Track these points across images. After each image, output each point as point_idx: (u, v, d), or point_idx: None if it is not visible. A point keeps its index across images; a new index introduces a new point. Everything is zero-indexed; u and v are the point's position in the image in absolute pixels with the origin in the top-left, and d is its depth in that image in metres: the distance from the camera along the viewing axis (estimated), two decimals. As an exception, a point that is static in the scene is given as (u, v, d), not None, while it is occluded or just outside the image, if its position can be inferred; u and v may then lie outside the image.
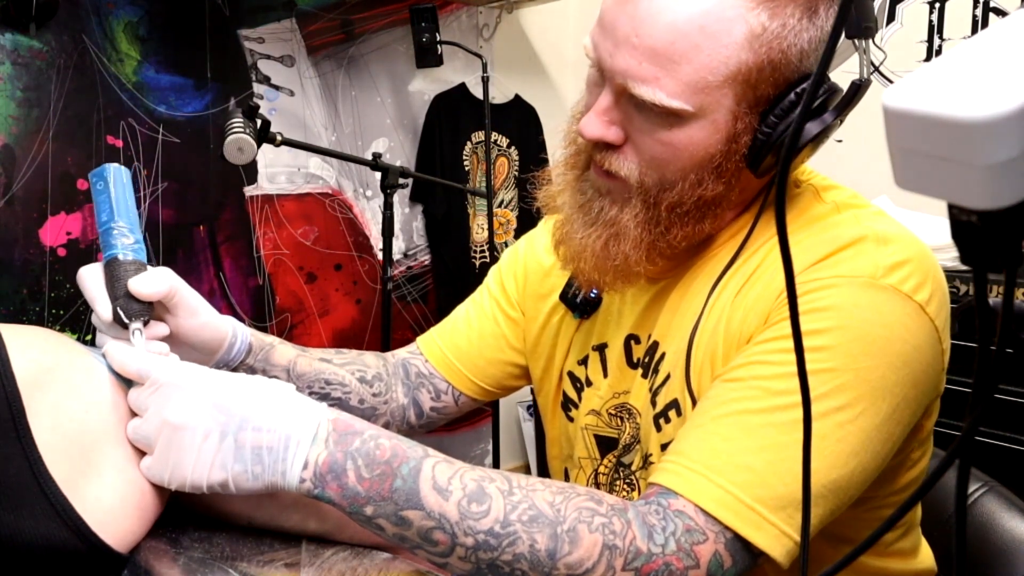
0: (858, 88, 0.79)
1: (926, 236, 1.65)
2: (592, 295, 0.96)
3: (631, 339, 0.93)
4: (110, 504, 0.66)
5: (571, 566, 0.66)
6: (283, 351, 0.97)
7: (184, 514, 0.76)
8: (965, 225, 0.35)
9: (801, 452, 0.66)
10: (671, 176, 0.77)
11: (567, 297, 0.98)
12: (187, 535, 0.73)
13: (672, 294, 0.88)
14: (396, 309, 2.94)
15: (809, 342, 0.71)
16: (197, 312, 0.84)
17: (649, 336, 0.90)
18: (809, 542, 0.52)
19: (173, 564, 0.68)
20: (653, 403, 0.86)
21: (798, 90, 0.74)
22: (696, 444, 0.73)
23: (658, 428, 0.86)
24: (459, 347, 1.09)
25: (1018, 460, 1.48)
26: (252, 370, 0.93)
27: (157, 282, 0.76)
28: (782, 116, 0.74)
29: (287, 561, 0.70)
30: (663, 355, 0.87)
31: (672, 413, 0.84)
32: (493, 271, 1.12)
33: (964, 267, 0.38)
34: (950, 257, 1.60)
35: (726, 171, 0.77)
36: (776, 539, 0.69)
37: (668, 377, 0.85)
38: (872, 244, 0.76)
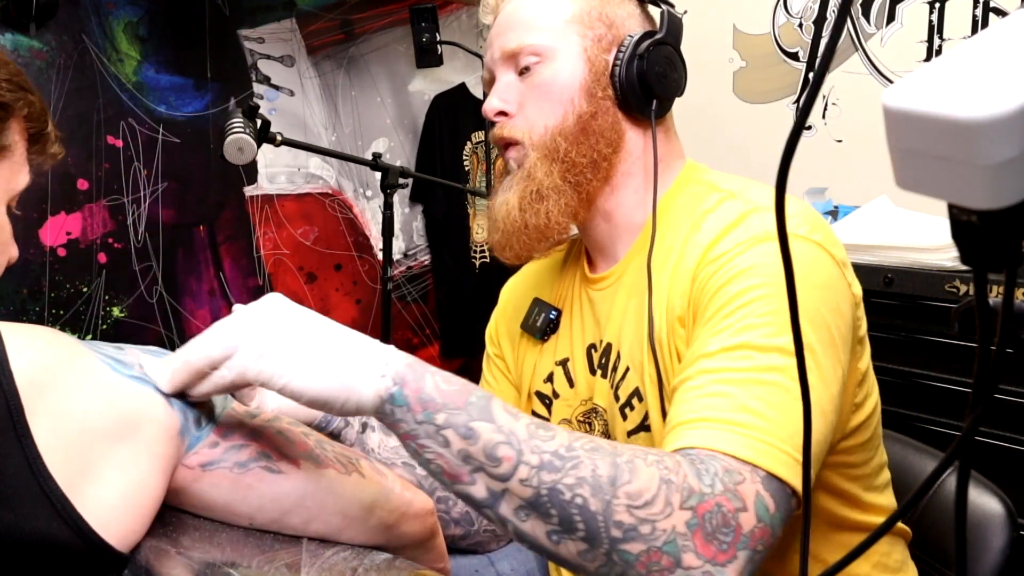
0: (671, 16, 0.97)
1: (926, 236, 1.66)
2: (552, 316, 1.03)
3: (590, 348, 0.99)
4: (110, 503, 0.66)
5: (631, 495, 0.65)
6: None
7: (184, 514, 0.76)
8: (965, 225, 0.35)
9: (789, 389, 0.72)
10: (550, 110, 0.93)
11: (527, 323, 1.06)
12: (187, 535, 0.73)
13: (618, 298, 0.96)
14: (396, 309, 2.94)
15: (744, 299, 0.79)
16: None
17: (602, 341, 0.97)
18: (808, 540, 0.52)
19: (173, 564, 0.68)
20: (616, 397, 0.93)
21: (631, 35, 0.95)
22: (692, 408, 0.75)
23: (624, 417, 0.92)
24: None
25: (1018, 460, 1.48)
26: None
27: None
28: (623, 53, 0.94)
29: (287, 561, 0.71)
30: (619, 353, 0.94)
31: (635, 400, 0.91)
32: (485, 352, 1.17)
33: (964, 267, 0.38)
34: (950, 257, 1.60)
35: (594, 94, 0.93)
36: (793, 469, 0.70)
37: (628, 370, 0.92)
38: (755, 215, 0.85)
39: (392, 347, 0.70)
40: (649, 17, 0.99)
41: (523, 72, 0.95)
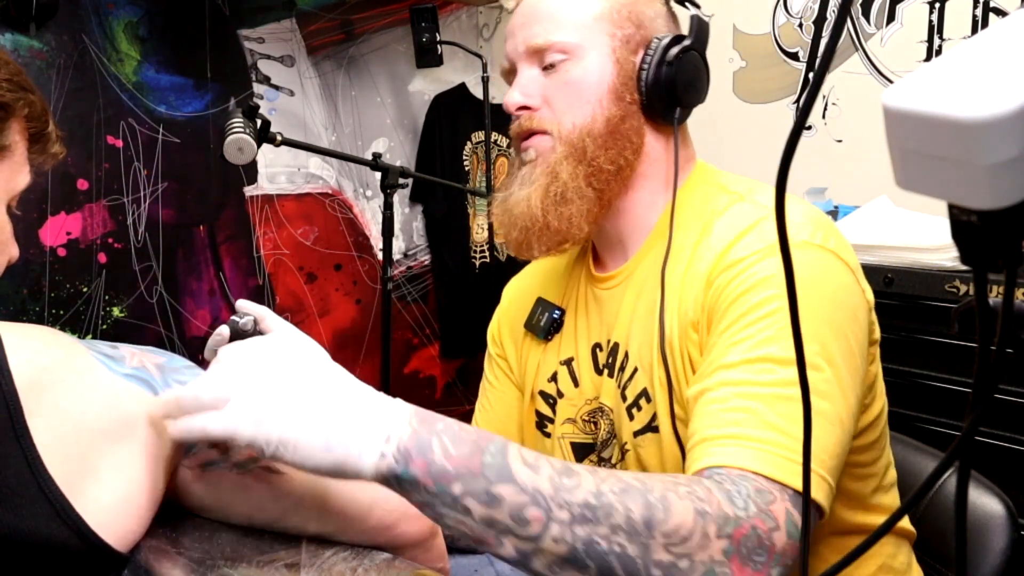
0: (700, 21, 0.95)
1: (926, 236, 1.66)
2: (555, 316, 1.03)
3: (596, 348, 0.99)
4: (109, 504, 0.66)
5: (668, 534, 0.64)
6: None
7: (184, 514, 0.76)
8: (965, 225, 0.35)
9: (812, 404, 0.71)
10: (580, 110, 0.91)
11: (531, 323, 1.05)
12: (187, 535, 0.73)
13: (626, 297, 0.95)
14: (396, 309, 2.94)
15: (764, 310, 0.79)
16: None
17: (609, 341, 0.96)
18: (809, 537, 0.52)
19: (173, 564, 0.68)
20: (623, 397, 0.93)
21: (658, 37, 0.93)
22: (716, 423, 0.75)
23: (631, 417, 0.92)
24: (491, 431, 1.10)
25: (1018, 460, 1.48)
26: None
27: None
28: (651, 57, 0.92)
29: (287, 561, 0.71)
30: (626, 353, 0.93)
31: (643, 401, 0.90)
32: (487, 352, 1.16)
33: (964, 267, 0.38)
34: (950, 257, 1.60)
35: (622, 97, 0.92)
36: (819, 487, 0.72)
37: (636, 370, 0.91)
38: (769, 221, 0.85)
39: (396, 407, 0.65)
40: (674, 16, 0.98)
41: (547, 68, 0.93)
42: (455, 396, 3.09)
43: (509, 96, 0.94)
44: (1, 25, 2.14)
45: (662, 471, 0.88)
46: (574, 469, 0.66)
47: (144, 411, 0.70)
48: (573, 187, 0.90)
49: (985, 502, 0.97)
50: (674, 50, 0.91)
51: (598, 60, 0.92)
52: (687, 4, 0.97)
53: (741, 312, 0.80)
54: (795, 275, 0.77)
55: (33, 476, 0.62)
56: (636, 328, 0.92)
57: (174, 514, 0.75)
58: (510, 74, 0.97)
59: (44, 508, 0.62)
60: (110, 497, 0.66)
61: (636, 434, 0.91)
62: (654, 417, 0.89)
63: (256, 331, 0.83)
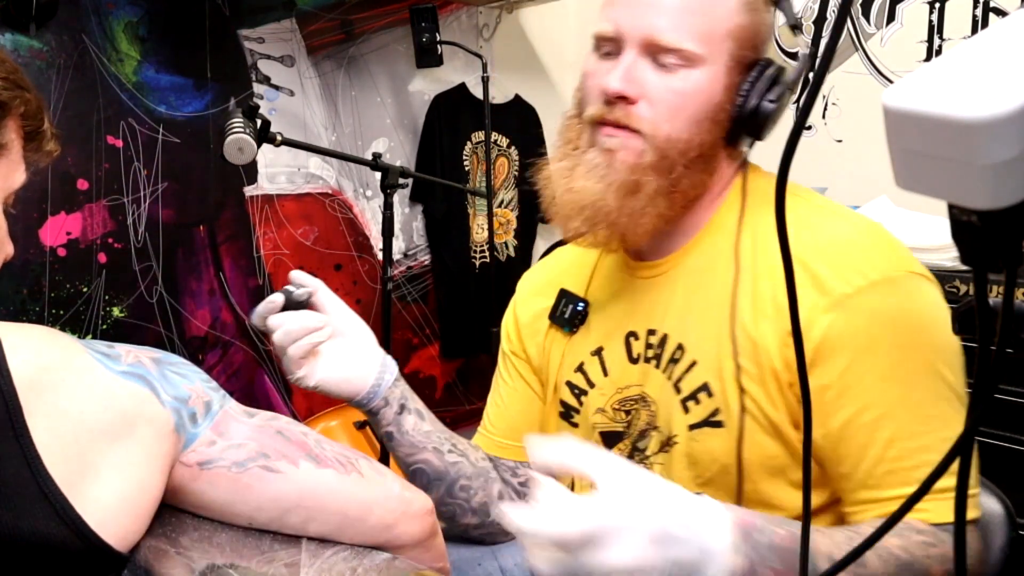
0: (808, 61, 0.94)
1: (926, 236, 1.65)
2: (579, 308, 1.02)
3: (630, 336, 0.97)
4: (109, 503, 0.66)
5: None
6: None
7: (184, 514, 0.76)
8: (965, 225, 0.35)
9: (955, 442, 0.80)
10: (680, 125, 0.88)
11: (555, 315, 1.05)
12: (187, 535, 0.73)
13: (677, 288, 0.94)
14: (396, 309, 2.94)
15: (902, 355, 0.83)
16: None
17: (653, 331, 0.95)
18: (808, 542, 0.52)
19: (173, 564, 0.69)
20: (677, 389, 0.92)
21: (761, 63, 0.91)
22: (904, 480, 0.81)
23: (686, 410, 0.91)
24: (504, 428, 1.11)
25: (1018, 460, 1.48)
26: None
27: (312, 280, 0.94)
28: (749, 88, 0.90)
29: (287, 561, 0.71)
30: (679, 345, 0.92)
31: (702, 395, 0.90)
32: (500, 348, 1.16)
33: (964, 267, 0.38)
34: (950, 257, 1.59)
35: (719, 122, 0.90)
36: (976, 506, 0.85)
37: (693, 364, 0.91)
38: (874, 247, 0.87)
39: (726, 534, 0.70)
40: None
41: (661, 65, 0.88)
42: (455, 396, 3.09)
43: (609, 81, 0.88)
44: (1, 25, 2.14)
45: (719, 466, 0.89)
46: (865, 559, 0.72)
47: (141, 408, 0.70)
48: (652, 203, 0.89)
49: (984, 502, 0.97)
50: (777, 89, 0.90)
51: (712, 77, 0.88)
52: (800, 31, 0.93)
53: (879, 354, 0.83)
54: (919, 308, 0.85)
55: (33, 476, 0.62)
56: (694, 321, 0.91)
57: (173, 514, 0.75)
58: (609, 42, 0.90)
59: (44, 508, 0.62)
60: (110, 497, 0.66)
61: (692, 427, 0.90)
62: (715, 412, 0.89)
63: (309, 303, 0.86)
